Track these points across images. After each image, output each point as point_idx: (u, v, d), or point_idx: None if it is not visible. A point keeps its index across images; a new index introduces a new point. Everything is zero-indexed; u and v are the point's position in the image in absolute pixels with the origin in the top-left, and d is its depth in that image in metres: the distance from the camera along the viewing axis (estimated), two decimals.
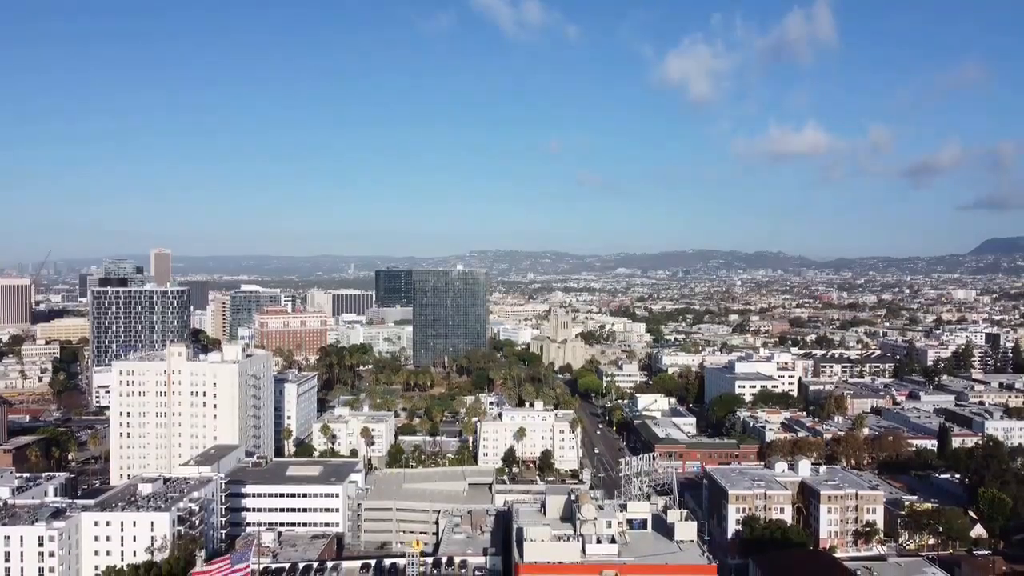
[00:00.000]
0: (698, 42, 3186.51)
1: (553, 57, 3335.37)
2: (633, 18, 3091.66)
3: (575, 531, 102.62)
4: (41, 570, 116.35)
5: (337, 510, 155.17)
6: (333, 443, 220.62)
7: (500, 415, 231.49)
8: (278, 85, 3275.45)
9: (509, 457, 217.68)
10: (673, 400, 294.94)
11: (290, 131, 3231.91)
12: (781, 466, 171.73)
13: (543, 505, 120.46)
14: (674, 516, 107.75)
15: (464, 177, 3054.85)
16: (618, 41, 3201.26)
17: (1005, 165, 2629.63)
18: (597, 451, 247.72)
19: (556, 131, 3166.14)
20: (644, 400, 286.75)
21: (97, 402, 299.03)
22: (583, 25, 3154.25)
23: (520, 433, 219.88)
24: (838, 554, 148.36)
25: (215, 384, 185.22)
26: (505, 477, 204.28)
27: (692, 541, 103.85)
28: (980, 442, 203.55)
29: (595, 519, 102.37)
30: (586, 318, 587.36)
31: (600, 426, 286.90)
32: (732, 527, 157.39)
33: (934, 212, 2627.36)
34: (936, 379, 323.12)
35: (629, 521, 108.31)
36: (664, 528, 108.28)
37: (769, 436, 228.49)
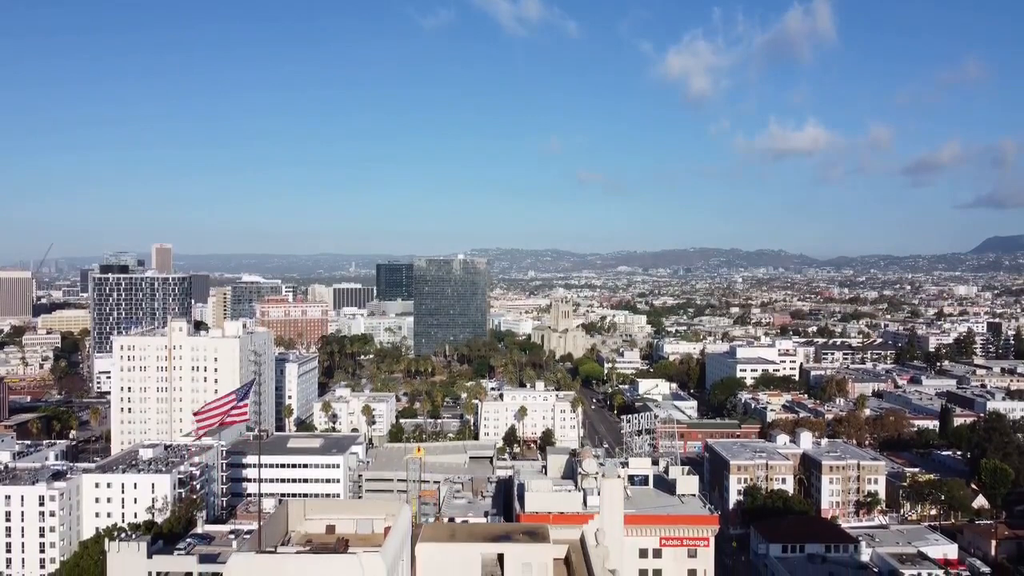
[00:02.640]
0: (698, 38, 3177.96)
1: (553, 54, 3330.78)
2: (633, 14, 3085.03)
3: (576, 486, 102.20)
4: (42, 529, 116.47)
5: (338, 480, 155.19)
6: (334, 422, 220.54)
7: (501, 395, 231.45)
8: (277, 84, 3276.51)
9: (510, 437, 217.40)
10: (674, 385, 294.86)
11: (289, 129, 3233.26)
12: (783, 439, 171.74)
13: (544, 467, 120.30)
14: (675, 472, 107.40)
15: (464, 175, 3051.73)
16: (618, 38, 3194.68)
17: (1006, 163, 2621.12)
18: (605, 446, 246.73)
19: (556, 129, 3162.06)
20: (645, 385, 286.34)
21: (98, 387, 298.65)
22: (583, 21, 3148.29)
23: (521, 412, 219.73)
24: (840, 524, 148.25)
25: (216, 359, 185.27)
26: (506, 456, 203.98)
27: (694, 495, 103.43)
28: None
29: (596, 473, 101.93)
30: (587, 310, 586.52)
31: (595, 403, 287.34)
32: (733, 497, 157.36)
33: (935, 210, 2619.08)
34: (938, 364, 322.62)
35: (631, 477, 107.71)
36: (666, 485, 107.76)
37: (770, 417, 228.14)
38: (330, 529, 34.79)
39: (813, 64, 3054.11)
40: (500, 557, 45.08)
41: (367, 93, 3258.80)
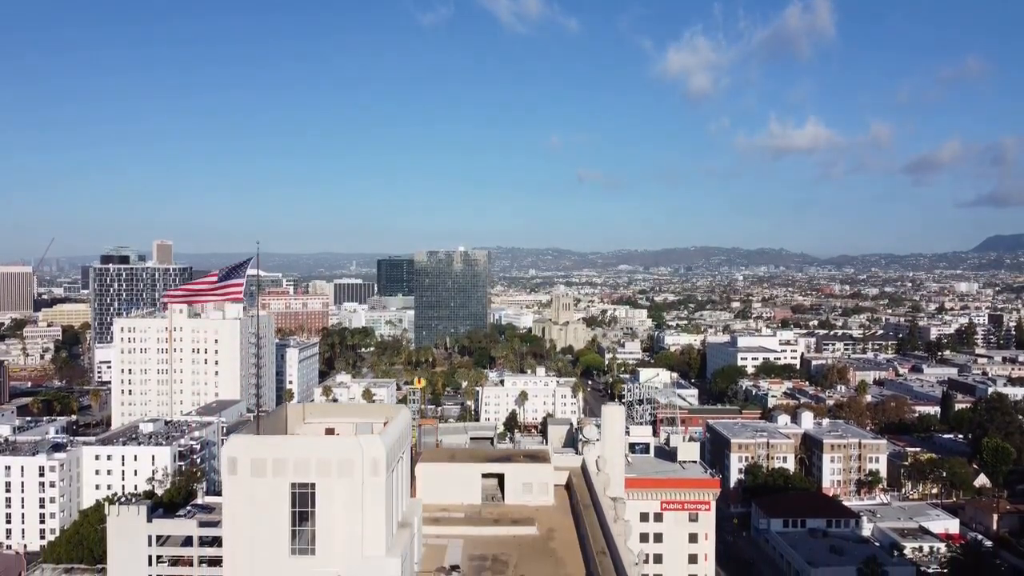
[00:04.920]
0: (698, 35, 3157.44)
1: (553, 51, 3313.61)
2: (633, 11, 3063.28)
3: (577, 452, 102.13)
4: (42, 499, 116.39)
5: None
6: None
7: (502, 380, 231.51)
8: (275, 82, 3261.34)
9: (511, 422, 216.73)
10: (675, 375, 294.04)
11: (288, 128, 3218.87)
12: (784, 419, 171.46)
13: (546, 438, 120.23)
14: (676, 440, 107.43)
15: (464, 174, 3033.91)
16: (618, 34, 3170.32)
17: (1007, 161, 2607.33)
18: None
19: (556, 126, 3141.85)
20: (646, 374, 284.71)
21: (99, 377, 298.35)
22: (582, 18, 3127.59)
23: (522, 397, 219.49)
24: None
25: (216, 341, 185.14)
26: (507, 441, 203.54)
27: (695, 462, 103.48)
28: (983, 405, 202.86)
29: (597, 439, 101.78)
30: (588, 305, 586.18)
31: (591, 387, 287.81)
32: (735, 476, 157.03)
33: (936, 209, 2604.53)
34: (939, 354, 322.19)
35: (632, 445, 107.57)
36: (667, 455, 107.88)
37: (771, 403, 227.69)
38: (329, 432, 34.69)
39: (813, 62, 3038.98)
40: (500, 477, 45.11)
41: (366, 91, 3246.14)
